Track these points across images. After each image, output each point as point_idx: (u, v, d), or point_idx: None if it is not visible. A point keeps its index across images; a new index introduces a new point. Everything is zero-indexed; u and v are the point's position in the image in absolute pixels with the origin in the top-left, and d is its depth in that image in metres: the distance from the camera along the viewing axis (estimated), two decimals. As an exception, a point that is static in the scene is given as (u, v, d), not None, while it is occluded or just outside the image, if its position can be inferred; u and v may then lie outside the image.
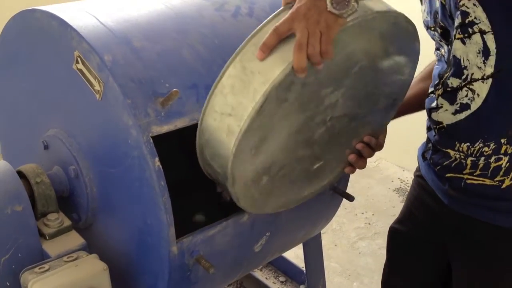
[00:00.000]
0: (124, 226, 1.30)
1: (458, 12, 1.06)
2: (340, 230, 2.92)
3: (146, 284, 1.29)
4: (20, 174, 1.28)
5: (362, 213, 3.06)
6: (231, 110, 1.00)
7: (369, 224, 2.98)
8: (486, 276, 1.23)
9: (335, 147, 1.26)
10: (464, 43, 1.07)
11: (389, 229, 1.51)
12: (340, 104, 1.15)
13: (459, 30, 1.08)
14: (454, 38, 1.10)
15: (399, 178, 3.40)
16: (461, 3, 1.05)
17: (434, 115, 1.22)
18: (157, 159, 1.14)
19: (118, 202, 1.29)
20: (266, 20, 1.00)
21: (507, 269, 1.19)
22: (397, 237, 1.50)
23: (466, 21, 1.04)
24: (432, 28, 1.20)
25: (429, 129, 1.28)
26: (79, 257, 1.19)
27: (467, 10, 1.04)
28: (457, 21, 1.07)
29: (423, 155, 1.33)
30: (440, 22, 1.16)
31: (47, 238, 1.24)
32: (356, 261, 2.68)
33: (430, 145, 1.29)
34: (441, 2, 1.13)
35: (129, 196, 1.24)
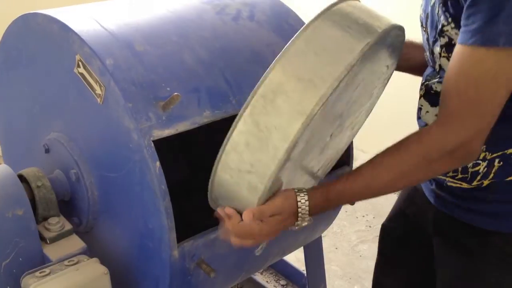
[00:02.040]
0: (125, 230, 1.30)
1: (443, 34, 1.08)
2: (341, 233, 2.91)
3: (147, 288, 1.29)
4: (21, 178, 1.28)
5: (363, 216, 3.06)
6: (250, 167, 0.96)
7: (370, 227, 2.97)
8: (465, 276, 1.24)
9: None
10: (449, 60, 1.08)
11: (381, 227, 1.52)
12: (346, 115, 1.15)
13: (444, 49, 1.10)
14: (440, 56, 1.12)
15: (399, 181, 3.40)
16: (444, 29, 1.07)
17: (422, 116, 1.24)
18: (158, 163, 1.14)
19: (119, 206, 1.29)
20: (269, 68, 0.95)
21: (484, 270, 1.20)
22: (387, 235, 1.50)
23: (452, 42, 1.06)
24: (424, 29, 1.20)
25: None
26: (80, 261, 1.19)
27: (451, 36, 1.06)
28: (443, 40, 1.09)
29: None
30: (427, 27, 1.17)
31: (48, 242, 1.24)
32: (357, 264, 2.68)
33: None
34: (431, 14, 1.13)
35: (130, 200, 1.24)
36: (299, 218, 1.03)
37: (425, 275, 1.38)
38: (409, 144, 1.02)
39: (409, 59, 1.31)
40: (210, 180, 1.02)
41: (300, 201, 1.02)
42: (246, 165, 0.96)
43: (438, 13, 1.10)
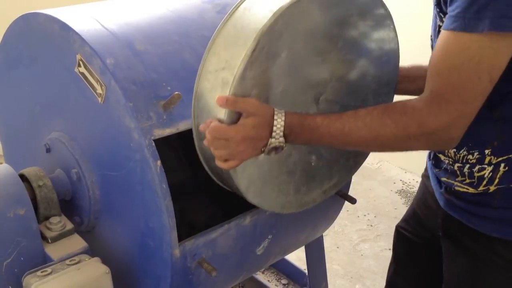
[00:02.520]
0: (126, 229, 1.30)
1: None
2: (342, 232, 2.91)
3: (149, 287, 1.29)
4: (23, 177, 1.28)
5: (364, 215, 3.06)
6: (225, 64, 1.03)
7: (371, 226, 2.97)
8: (468, 281, 1.24)
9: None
10: None
11: (395, 228, 1.53)
12: (331, 87, 1.18)
13: None
14: None
15: (401, 180, 3.40)
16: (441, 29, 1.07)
17: None
18: (159, 162, 1.14)
19: (120, 205, 1.29)
20: None
21: (487, 276, 1.21)
22: (401, 236, 1.51)
23: None
24: (431, 39, 1.21)
25: None
26: (82, 260, 1.19)
27: None
28: None
29: (429, 155, 1.34)
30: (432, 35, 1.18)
31: (50, 241, 1.24)
32: (358, 263, 2.67)
33: None
34: (433, 21, 1.14)
35: (131, 199, 1.24)
36: (272, 134, 1.02)
37: (436, 277, 1.39)
38: (394, 111, 1.02)
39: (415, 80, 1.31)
40: (193, 96, 1.09)
41: (276, 115, 1.02)
42: (222, 63, 1.03)
43: (435, 15, 1.11)
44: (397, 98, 1.21)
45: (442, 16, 1.05)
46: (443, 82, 0.97)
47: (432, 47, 1.19)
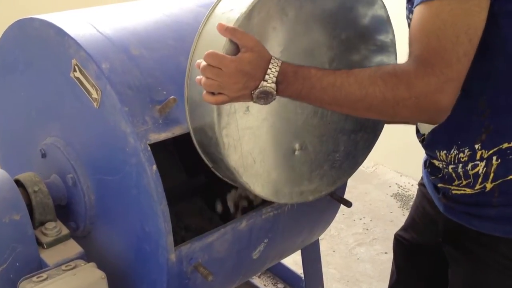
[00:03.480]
0: (122, 234, 1.29)
1: None
2: (338, 236, 2.92)
3: (145, 292, 1.29)
4: (18, 182, 1.28)
5: (360, 219, 3.06)
6: (232, 6, 1.06)
7: (367, 229, 2.98)
8: (473, 284, 1.24)
9: (318, 140, 1.28)
10: None
11: (394, 236, 1.53)
12: (329, 65, 1.20)
13: None
14: None
15: (396, 184, 3.40)
16: None
17: (418, 125, 1.24)
18: (154, 166, 1.14)
19: (116, 210, 1.29)
20: None
21: (491, 277, 1.21)
22: (401, 244, 1.51)
23: None
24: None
25: (421, 141, 1.29)
26: (77, 265, 1.19)
27: None
28: None
29: (424, 163, 1.34)
30: None
31: (45, 247, 1.24)
32: (354, 267, 2.67)
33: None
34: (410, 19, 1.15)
35: (127, 204, 1.23)
36: (266, 76, 1.01)
37: (438, 284, 1.39)
38: (385, 71, 1.01)
39: None
40: (196, 37, 1.11)
41: (273, 59, 1.02)
42: (230, 5, 1.07)
43: (407, 14, 1.12)
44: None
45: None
46: (424, 47, 0.98)
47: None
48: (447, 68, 0.96)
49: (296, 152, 1.26)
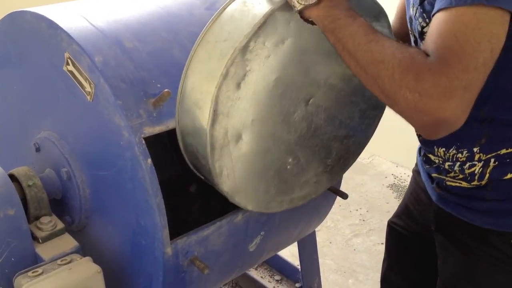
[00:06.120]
0: (118, 228, 1.29)
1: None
2: (334, 227, 2.92)
3: (141, 286, 1.29)
4: (12, 177, 1.27)
5: (357, 210, 3.07)
6: (227, 35, 1.02)
7: (363, 220, 2.98)
8: (463, 274, 1.25)
9: (310, 151, 1.27)
10: None
11: (387, 223, 1.53)
12: (323, 92, 1.18)
13: None
14: None
15: (392, 174, 3.41)
16: (424, 30, 1.07)
17: None
18: (149, 160, 1.14)
19: (111, 204, 1.28)
20: None
21: (481, 269, 1.21)
22: (393, 231, 1.51)
23: None
24: (411, 32, 1.21)
25: (418, 135, 1.28)
26: (73, 260, 1.18)
27: None
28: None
29: (419, 150, 1.34)
30: (413, 31, 1.17)
31: (40, 241, 1.24)
32: (351, 258, 2.68)
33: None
34: (414, 17, 1.13)
35: (122, 198, 1.23)
36: None
37: (429, 271, 1.39)
38: (408, 52, 0.91)
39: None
40: (187, 62, 1.09)
41: None
42: (224, 34, 1.03)
43: (416, 15, 1.10)
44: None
45: (426, 17, 1.05)
46: (442, 45, 0.90)
47: None
48: (463, 73, 0.87)
49: (289, 167, 1.26)
